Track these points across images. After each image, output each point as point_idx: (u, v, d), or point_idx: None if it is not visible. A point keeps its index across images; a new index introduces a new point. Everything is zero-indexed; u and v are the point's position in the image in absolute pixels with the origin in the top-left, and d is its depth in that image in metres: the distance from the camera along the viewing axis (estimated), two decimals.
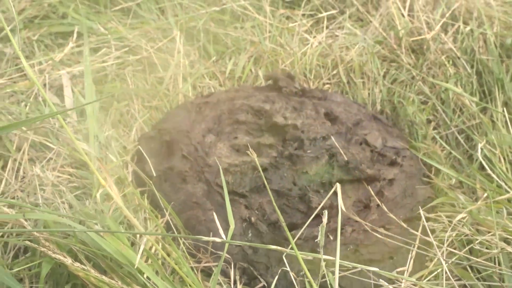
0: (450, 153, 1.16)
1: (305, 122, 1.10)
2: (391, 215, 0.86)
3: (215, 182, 0.92)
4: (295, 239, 0.79)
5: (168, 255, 0.80)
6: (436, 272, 0.85)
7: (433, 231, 0.96)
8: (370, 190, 0.92)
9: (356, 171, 0.93)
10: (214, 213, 0.87)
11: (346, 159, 0.98)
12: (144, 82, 1.37)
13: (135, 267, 0.66)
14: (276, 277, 0.77)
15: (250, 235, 0.86)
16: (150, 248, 0.80)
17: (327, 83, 1.39)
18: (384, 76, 1.38)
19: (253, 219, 0.86)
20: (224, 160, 0.97)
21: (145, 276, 0.68)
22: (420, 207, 0.95)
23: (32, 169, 1.04)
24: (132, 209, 0.88)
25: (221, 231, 0.64)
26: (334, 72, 1.40)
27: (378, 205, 0.92)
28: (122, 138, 1.22)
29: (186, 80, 1.38)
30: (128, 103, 1.30)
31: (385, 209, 0.87)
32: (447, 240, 0.89)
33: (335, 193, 0.93)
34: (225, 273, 0.83)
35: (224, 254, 0.72)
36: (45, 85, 1.34)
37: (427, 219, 0.95)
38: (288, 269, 0.80)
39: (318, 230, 0.85)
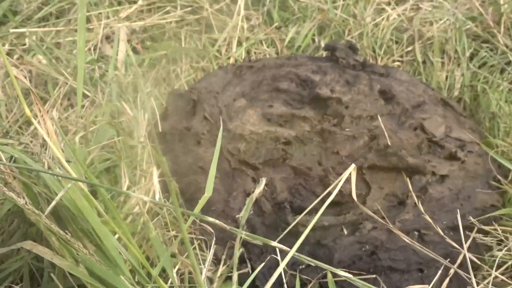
0: None
1: (354, 98, 0.92)
2: (427, 217, 0.67)
3: (227, 149, 0.80)
4: (291, 225, 0.64)
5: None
6: None
7: (488, 249, 0.74)
8: (408, 182, 0.73)
9: (394, 158, 0.74)
10: (218, 181, 0.76)
11: (388, 143, 0.79)
12: (198, 42, 1.28)
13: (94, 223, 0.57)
14: (262, 264, 0.63)
15: (251, 212, 0.73)
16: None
17: (398, 61, 1.18)
18: (470, 58, 1.13)
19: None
20: (248, 128, 0.84)
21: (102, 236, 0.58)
22: (475, 215, 0.73)
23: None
24: (130, 163, 0.80)
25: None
26: (409, 49, 1.19)
27: (415, 203, 0.72)
28: (162, 96, 1.16)
29: (242, 44, 1.27)
30: (177, 62, 1.23)
31: (421, 209, 0.68)
32: (501, 263, 0.68)
33: (363, 180, 0.76)
34: (215, 254, 0.71)
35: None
36: (107, 37, 1.33)
37: (484, 232, 0.73)
38: (279, 259, 0.66)
39: (329, 220, 0.70)
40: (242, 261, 0.70)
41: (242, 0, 1.33)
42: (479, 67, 1.11)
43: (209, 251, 0.65)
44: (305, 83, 1.01)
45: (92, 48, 1.28)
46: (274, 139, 0.81)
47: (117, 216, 0.58)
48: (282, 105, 0.96)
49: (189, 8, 1.37)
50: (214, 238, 0.67)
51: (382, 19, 1.26)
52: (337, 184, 0.68)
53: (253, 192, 0.73)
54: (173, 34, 1.32)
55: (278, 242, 0.63)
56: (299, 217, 0.68)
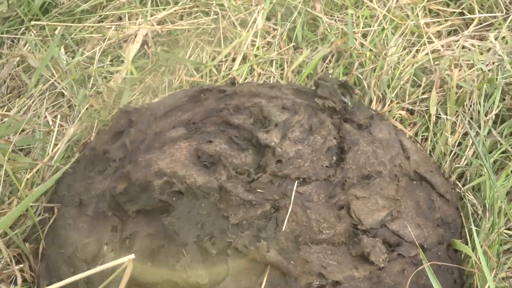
0: None
1: (299, 152, 0.76)
2: None
3: (112, 186, 0.71)
4: None
5: None
6: None
7: None
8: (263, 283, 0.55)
9: (249, 247, 0.57)
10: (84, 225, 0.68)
11: (284, 223, 0.62)
12: (204, 53, 1.20)
13: None
14: None
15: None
16: None
17: (408, 110, 0.95)
18: (495, 121, 0.85)
19: (106, 248, 0.63)
20: (160, 165, 0.74)
21: None
22: None
23: None
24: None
25: None
26: (425, 96, 0.94)
27: None
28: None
29: (247, 61, 1.15)
30: (174, 72, 1.17)
31: None
32: None
33: (224, 261, 0.61)
34: None
35: None
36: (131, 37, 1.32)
37: None
38: None
39: None
40: None
41: (261, 13, 1.20)
42: (505, 136, 0.83)
43: None
44: (265, 120, 0.86)
45: (112, 47, 1.28)
46: (168, 184, 0.70)
47: None
48: (224, 142, 0.83)
49: (216, 16, 1.29)
50: None
51: (409, 53, 1.02)
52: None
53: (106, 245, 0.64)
54: (186, 41, 1.26)
55: None
56: None
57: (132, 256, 0.44)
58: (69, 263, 0.64)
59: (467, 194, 0.74)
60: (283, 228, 0.61)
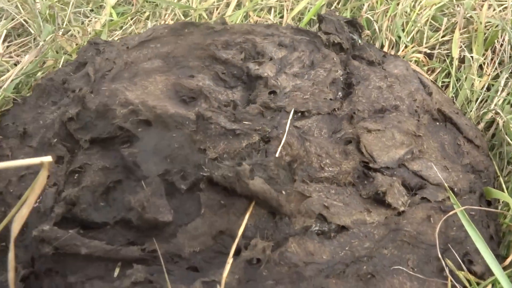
0: None
1: (297, 85, 0.61)
2: None
3: (62, 112, 0.56)
4: None
5: None
6: None
7: None
8: (242, 226, 0.41)
9: (231, 174, 0.42)
10: None
11: (278, 151, 0.48)
12: None
13: None
14: None
15: None
16: None
17: (426, 54, 0.80)
18: None
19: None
20: (128, 95, 0.59)
21: None
22: None
23: None
24: None
25: None
26: (446, 38, 0.80)
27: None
28: None
29: (242, 7, 1.01)
30: (160, 16, 1.02)
31: None
32: None
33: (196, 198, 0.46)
34: None
35: None
36: None
37: None
38: None
39: None
40: None
41: None
42: None
43: None
44: (258, 56, 0.72)
45: None
46: (133, 113, 0.55)
47: None
48: (208, 78, 0.69)
49: None
50: None
51: None
52: None
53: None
54: None
55: None
56: None
57: (49, 158, 0.29)
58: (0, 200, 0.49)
59: (503, 141, 0.60)
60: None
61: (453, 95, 0.73)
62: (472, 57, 0.71)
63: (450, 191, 0.46)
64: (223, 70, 0.70)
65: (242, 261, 0.40)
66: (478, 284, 0.43)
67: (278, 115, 0.56)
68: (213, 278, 0.38)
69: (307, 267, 0.41)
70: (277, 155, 0.45)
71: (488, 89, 0.71)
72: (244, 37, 0.75)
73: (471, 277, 0.42)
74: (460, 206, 0.44)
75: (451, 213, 0.44)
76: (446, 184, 0.47)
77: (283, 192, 0.40)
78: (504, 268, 0.44)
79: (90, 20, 1.02)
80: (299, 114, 0.57)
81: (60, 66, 0.78)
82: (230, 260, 0.39)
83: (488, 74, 0.70)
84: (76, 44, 0.89)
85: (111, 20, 1.00)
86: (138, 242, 0.43)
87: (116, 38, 0.96)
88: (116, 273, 0.41)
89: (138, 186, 0.47)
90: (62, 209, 0.43)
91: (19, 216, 0.31)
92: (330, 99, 0.58)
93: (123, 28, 0.99)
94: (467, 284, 0.43)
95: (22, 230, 0.44)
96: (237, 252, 0.40)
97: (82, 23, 1.02)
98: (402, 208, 0.45)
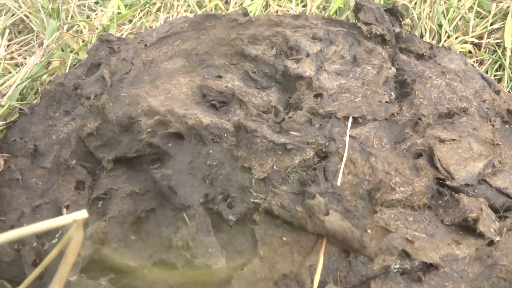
0: None
1: (344, 85, 0.53)
2: None
3: (79, 126, 0.47)
4: None
5: None
6: None
7: None
8: (319, 264, 0.32)
9: (300, 209, 0.34)
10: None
11: (340, 175, 0.39)
12: None
13: None
14: None
15: None
16: None
17: (473, 44, 0.71)
18: None
19: (66, 213, 0.40)
20: (150, 102, 0.51)
21: None
22: None
23: None
24: None
25: None
26: (496, 26, 0.71)
27: None
28: None
29: None
30: (172, 7, 0.93)
31: None
32: None
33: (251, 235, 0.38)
34: None
35: None
36: None
37: None
38: None
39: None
40: None
41: None
42: None
43: None
44: (292, 52, 0.63)
45: None
46: (161, 125, 0.47)
47: None
48: (238, 78, 0.60)
49: None
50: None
51: None
52: None
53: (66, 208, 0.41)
54: None
55: None
56: None
57: (84, 213, 0.21)
58: None
59: None
60: (338, 182, 0.38)
61: (509, 90, 0.64)
62: None
63: None
64: (253, 69, 0.61)
65: None
66: None
67: (328, 123, 0.48)
68: None
69: None
70: (339, 176, 0.37)
71: None
72: (273, 30, 0.66)
73: None
74: None
75: None
76: None
77: (368, 230, 0.32)
78: None
79: (97, 14, 0.92)
80: (352, 120, 0.49)
81: (68, 68, 0.69)
82: None
83: None
84: (83, 41, 0.80)
85: (119, 13, 0.90)
86: None
87: (125, 33, 0.86)
88: None
89: (176, 218, 0.38)
90: (90, 250, 0.35)
91: None
92: (386, 102, 0.50)
93: (133, 21, 0.90)
94: None
95: (41, 276, 0.36)
96: None
97: (88, 17, 0.92)
98: (497, 238, 0.37)
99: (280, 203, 0.35)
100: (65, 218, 0.21)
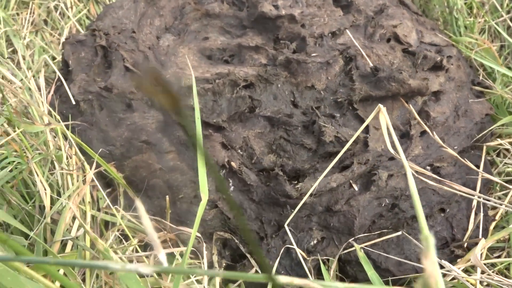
0: (502, 47, 0.80)
1: (306, 12, 0.71)
2: (446, 148, 0.53)
3: None
4: (303, 200, 0.46)
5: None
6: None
7: (493, 164, 0.64)
8: (413, 111, 0.57)
9: (393, 83, 0.57)
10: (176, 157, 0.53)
11: (371, 64, 0.61)
12: None
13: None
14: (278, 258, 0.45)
15: (232, 188, 0.53)
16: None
17: None
18: None
19: (234, 164, 0.52)
20: (190, 73, 0.60)
21: None
22: (477, 130, 0.62)
23: None
24: (42, 160, 0.53)
25: None
26: None
27: (422, 132, 0.58)
28: (52, 46, 0.84)
29: None
30: None
31: (437, 139, 0.54)
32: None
33: (356, 117, 0.58)
34: (196, 250, 0.50)
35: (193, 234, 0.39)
36: None
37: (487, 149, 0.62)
38: (294, 243, 0.48)
39: (336, 178, 0.52)
40: (237, 253, 0.52)
41: None
42: None
43: (203, 261, 0.45)
44: (239, 1, 0.77)
45: None
46: (231, 84, 0.59)
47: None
48: (219, 34, 0.72)
49: None
50: (204, 244, 0.46)
51: None
52: (338, 131, 0.50)
53: (228, 162, 0.52)
54: None
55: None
56: (300, 185, 0.50)
57: None
58: None
59: None
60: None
61: None
62: None
63: None
64: (220, 23, 0.74)
65: None
66: None
67: (323, 41, 0.67)
68: None
69: None
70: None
71: None
72: None
73: None
74: None
75: None
76: None
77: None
78: None
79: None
80: (330, 35, 0.69)
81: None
82: None
83: None
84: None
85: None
86: None
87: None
88: None
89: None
90: None
91: None
92: (344, 15, 0.72)
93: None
94: None
95: None
96: None
97: None
98: (447, 66, 0.66)
99: (367, 90, 0.55)
100: None
